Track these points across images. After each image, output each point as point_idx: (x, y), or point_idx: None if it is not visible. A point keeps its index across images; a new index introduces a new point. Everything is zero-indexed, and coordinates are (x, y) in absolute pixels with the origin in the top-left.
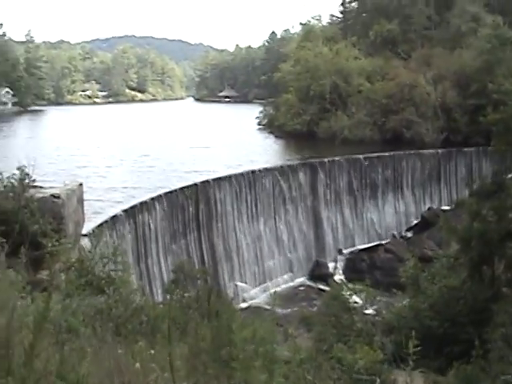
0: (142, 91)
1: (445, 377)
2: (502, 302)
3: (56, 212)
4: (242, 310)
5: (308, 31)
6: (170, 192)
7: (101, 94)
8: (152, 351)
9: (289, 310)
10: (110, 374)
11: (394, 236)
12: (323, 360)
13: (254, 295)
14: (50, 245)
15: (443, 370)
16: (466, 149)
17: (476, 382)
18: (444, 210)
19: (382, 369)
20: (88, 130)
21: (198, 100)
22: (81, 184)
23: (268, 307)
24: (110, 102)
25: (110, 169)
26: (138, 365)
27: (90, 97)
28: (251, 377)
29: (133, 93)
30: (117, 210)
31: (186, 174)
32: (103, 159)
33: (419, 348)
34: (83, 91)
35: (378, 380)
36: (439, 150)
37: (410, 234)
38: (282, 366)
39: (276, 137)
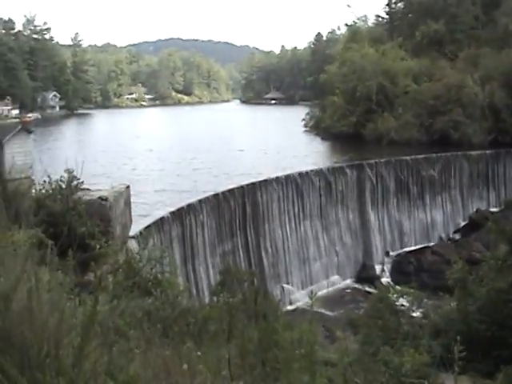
0: (188, 94)
1: (492, 381)
2: None
3: (103, 214)
4: (289, 312)
5: (354, 32)
6: (217, 194)
7: (147, 96)
8: (199, 353)
9: (335, 312)
10: (157, 375)
11: (441, 238)
12: (370, 362)
13: (301, 297)
14: (97, 247)
15: (491, 373)
16: None
17: None
18: (492, 212)
19: (429, 372)
20: (135, 133)
21: (243, 102)
22: (128, 186)
23: (316, 310)
24: (156, 105)
25: (157, 172)
26: (185, 366)
27: (136, 100)
28: (294, 378)
29: (179, 95)
30: (164, 212)
31: (233, 176)
32: (150, 162)
33: (466, 352)
34: (130, 94)
35: (426, 383)
36: (487, 151)
37: (457, 236)
38: (327, 367)
39: (322, 139)
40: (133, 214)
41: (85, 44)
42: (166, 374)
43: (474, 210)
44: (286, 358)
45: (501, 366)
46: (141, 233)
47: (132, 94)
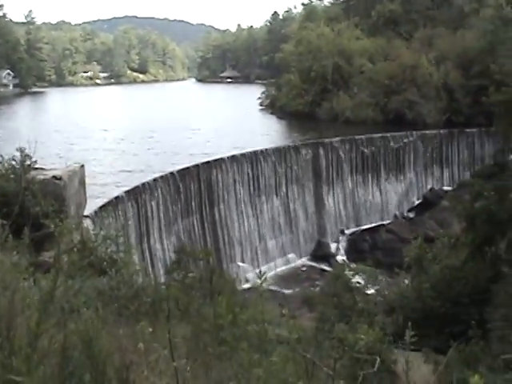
0: (143, 72)
1: (445, 356)
2: (503, 283)
3: (58, 193)
4: (245, 290)
5: (310, 11)
6: (172, 173)
7: (102, 75)
8: (153, 331)
9: (291, 290)
10: (111, 354)
11: (395, 216)
12: (324, 339)
13: (256, 276)
14: (52, 226)
15: (444, 349)
16: (468, 130)
17: (475, 361)
18: (446, 191)
19: (383, 348)
20: (89, 112)
21: (199, 81)
22: (82, 165)
23: (271, 287)
24: (111, 83)
25: (112, 151)
26: (140, 345)
27: (91, 78)
28: (246, 357)
29: (134, 74)
30: (119, 191)
31: (189, 155)
32: (105, 142)
33: (420, 328)
34: (84, 72)
35: (378, 359)
36: (441, 131)
37: (411, 215)
38: (281, 345)
39: (278, 117)
40: (87, 193)
41: (39, 22)
42: (120, 352)
43: (428, 188)
44: (239, 337)
45: (454, 341)
46: (96, 212)
47: (87, 72)
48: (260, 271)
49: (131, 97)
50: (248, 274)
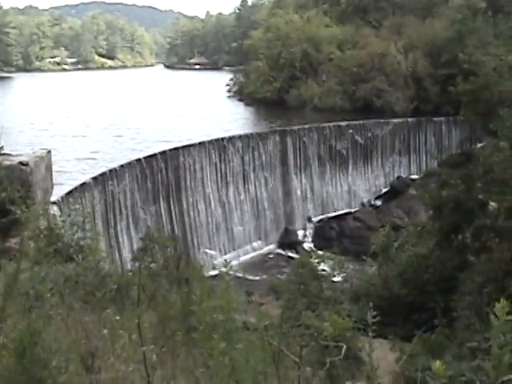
0: (111, 58)
1: (410, 344)
2: (469, 271)
3: (24, 179)
4: (212, 277)
5: None
6: (139, 159)
7: (70, 60)
8: (119, 318)
9: (258, 277)
10: (77, 340)
11: (363, 204)
12: (290, 327)
13: (223, 263)
14: (18, 212)
15: (411, 337)
16: (435, 118)
17: (440, 349)
18: (413, 179)
19: (350, 336)
20: (57, 98)
21: (167, 67)
22: (49, 151)
23: (238, 275)
24: (79, 69)
25: (79, 137)
26: (105, 331)
27: (58, 63)
28: (212, 344)
29: (102, 59)
30: (86, 177)
31: (156, 142)
32: (72, 128)
33: (387, 316)
34: (52, 58)
35: (345, 347)
36: (409, 119)
37: (378, 203)
38: (249, 333)
39: (246, 104)
40: (54, 179)
41: (6, 6)
42: (85, 339)
43: (396, 177)
44: (205, 324)
45: (418, 329)
46: (62, 198)
47: (54, 57)
48: (226, 259)
49: (99, 83)
50: (215, 260)
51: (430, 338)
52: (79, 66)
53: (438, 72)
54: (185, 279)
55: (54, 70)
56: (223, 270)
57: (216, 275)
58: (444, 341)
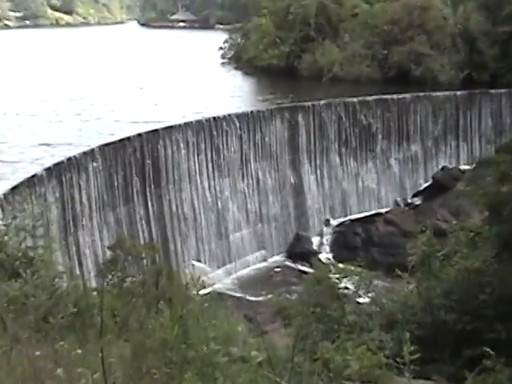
0: (68, 13)
1: None
2: None
3: None
4: (201, 297)
5: None
6: (108, 145)
7: (13, 14)
8: (80, 351)
9: (261, 297)
10: (23, 381)
11: (396, 203)
12: (303, 361)
13: (216, 278)
14: None
15: (461, 377)
16: (493, 90)
17: None
18: (463, 171)
19: (381, 375)
20: None
21: (143, 25)
22: None
23: (235, 294)
24: (26, 26)
25: (29, 117)
26: (59, 371)
27: None
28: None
29: (57, 14)
30: (37, 168)
31: (130, 123)
32: (18, 105)
33: (430, 349)
34: None
35: None
36: (458, 93)
37: (417, 201)
38: (248, 367)
39: (245, 74)
40: None
41: None
42: (34, 380)
43: (440, 167)
44: (191, 359)
45: (474, 368)
46: (5, 196)
47: None
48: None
49: (54, 44)
50: (206, 276)
51: (486, 380)
52: (27, 23)
53: (498, 29)
54: (166, 300)
55: None
56: (214, 287)
57: (206, 294)
58: (505, 383)
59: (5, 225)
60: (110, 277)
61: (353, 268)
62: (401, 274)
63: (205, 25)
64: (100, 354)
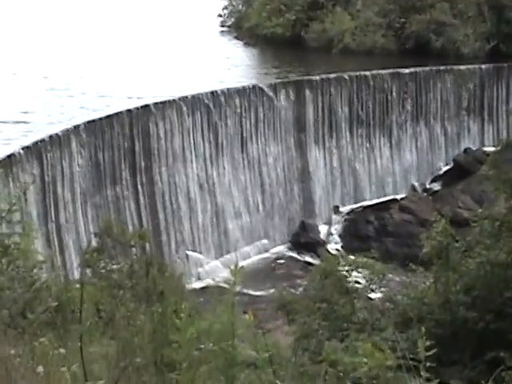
0: None
1: None
2: None
3: None
4: (196, 290)
5: None
6: (93, 121)
7: None
8: (62, 350)
9: (262, 291)
10: None
11: (413, 188)
12: (308, 362)
13: (213, 270)
14: None
15: (483, 381)
16: None
17: None
18: (487, 153)
19: (395, 378)
20: None
21: None
22: None
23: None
24: None
25: (2, 91)
26: (40, 368)
27: None
28: None
29: None
30: (14, 147)
31: (119, 99)
32: None
33: (449, 350)
34: None
35: None
36: (483, 66)
37: (437, 186)
38: (249, 368)
39: (246, 44)
40: None
41: None
42: (8, 379)
43: (462, 149)
44: (192, 359)
45: (493, 371)
46: None
47: None
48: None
49: (22, 3)
50: (201, 267)
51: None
52: None
53: None
54: (158, 293)
55: None
56: (212, 280)
57: (203, 288)
58: None
59: None
60: (95, 267)
61: (364, 260)
62: (416, 267)
63: None
64: (79, 344)
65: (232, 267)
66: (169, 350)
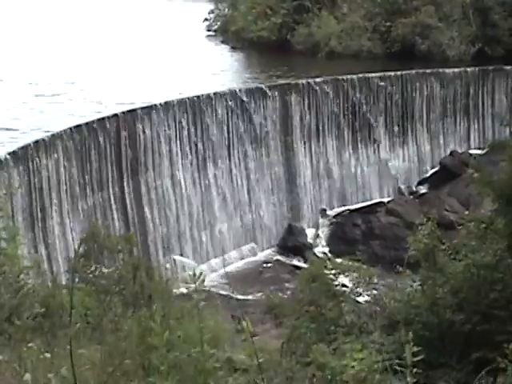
0: None
1: None
2: None
3: None
4: (183, 295)
5: None
6: (79, 126)
7: None
8: (48, 355)
9: (250, 296)
10: None
11: (400, 191)
12: (295, 365)
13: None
14: None
15: (471, 383)
16: (508, 67)
17: None
18: (473, 155)
19: (382, 380)
20: None
21: None
22: None
23: (222, 292)
24: None
25: None
26: (27, 375)
27: None
28: None
29: None
30: (0, 152)
31: (106, 106)
32: None
33: (436, 352)
34: None
35: None
36: (468, 69)
37: (423, 189)
38: (237, 373)
39: (232, 48)
40: None
41: None
42: None
43: (448, 152)
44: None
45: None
46: None
47: None
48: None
49: (13, 7)
50: (189, 271)
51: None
52: None
53: None
54: (145, 298)
55: None
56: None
57: (192, 294)
58: None
59: None
60: (82, 272)
61: (351, 263)
62: (402, 270)
63: None
64: (69, 347)
65: (191, 273)
66: (152, 354)
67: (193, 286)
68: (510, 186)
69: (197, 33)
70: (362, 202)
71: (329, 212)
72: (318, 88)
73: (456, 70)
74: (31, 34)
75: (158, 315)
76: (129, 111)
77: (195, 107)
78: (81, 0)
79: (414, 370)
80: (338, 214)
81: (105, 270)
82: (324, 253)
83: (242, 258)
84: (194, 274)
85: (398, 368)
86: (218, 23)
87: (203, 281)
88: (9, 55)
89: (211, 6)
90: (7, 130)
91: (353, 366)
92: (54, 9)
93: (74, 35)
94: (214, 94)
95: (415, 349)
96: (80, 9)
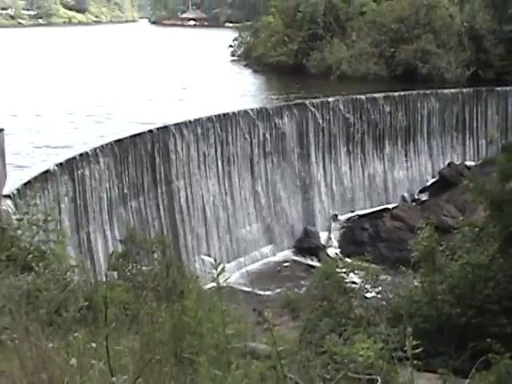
0: (81, 11)
1: (468, 380)
2: None
3: None
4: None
5: None
6: (119, 140)
7: (27, 13)
8: (94, 344)
9: (269, 292)
10: (37, 371)
11: (403, 199)
12: (310, 354)
13: (226, 272)
14: None
15: (467, 370)
16: (499, 88)
17: None
18: (469, 167)
19: (387, 367)
20: (9, 63)
21: (154, 23)
22: (1, 130)
23: (244, 288)
24: (39, 25)
25: (41, 116)
26: (73, 360)
27: (12, 17)
28: (206, 373)
29: (70, 13)
30: (49, 163)
31: (141, 124)
32: (31, 104)
33: (436, 342)
34: (3, 10)
35: (380, 380)
36: (464, 90)
37: (424, 197)
38: (258, 360)
39: (254, 71)
40: (8, 166)
41: None
42: (46, 370)
43: (446, 163)
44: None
45: (479, 361)
46: (18, 190)
47: (6, 9)
48: (216, 263)
49: (66, 43)
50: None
51: (491, 373)
52: (39, 21)
53: (504, 28)
54: (178, 293)
55: (6, 26)
56: (224, 281)
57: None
58: (509, 376)
59: (17, 219)
60: (121, 270)
61: (360, 263)
62: (405, 269)
63: (214, 23)
64: (105, 343)
65: (212, 261)
66: (190, 340)
67: (220, 280)
68: (501, 195)
69: (222, 58)
70: (370, 208)
71: (340, 217)
72: (330, 106)
73: (453, 90)
74: (84, 63)
75: (189, 309)
76: (162, 127)
77: (221, 123)
78: (127, 32)
79: (415, 361)
80: (348, 219)
81: (142, 268)
82: (336, 253)
83: (263, 258)
84: (215, 263)
85: (401, 356)
86: (242, 49)
87: (223, 269)
88: (61, 81)
89: (235, 34)
90: (55, 143)
91: (361, 355)
92: (102, 40)
93: (119, 62)
94: (238, 112)
95: (415, 342)
96: (126, 40)
